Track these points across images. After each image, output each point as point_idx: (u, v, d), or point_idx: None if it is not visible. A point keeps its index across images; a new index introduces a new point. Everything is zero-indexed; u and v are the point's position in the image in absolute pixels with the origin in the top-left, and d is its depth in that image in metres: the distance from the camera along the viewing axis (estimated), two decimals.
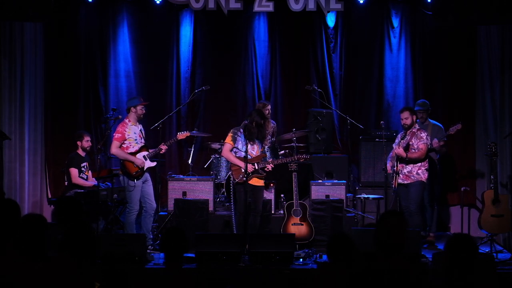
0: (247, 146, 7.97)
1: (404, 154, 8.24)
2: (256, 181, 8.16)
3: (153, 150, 8.41)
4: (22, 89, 9.87)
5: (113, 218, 9.00)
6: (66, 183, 9.31)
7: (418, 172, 8.33)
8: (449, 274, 4.03)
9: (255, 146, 8.21)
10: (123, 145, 8.27)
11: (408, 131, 8.39)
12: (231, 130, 8.22)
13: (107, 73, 10.56)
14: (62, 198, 5.03)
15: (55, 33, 10.33)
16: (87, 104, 10.54)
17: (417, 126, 8.49)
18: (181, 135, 8.62)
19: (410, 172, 8.32)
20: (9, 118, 9.76)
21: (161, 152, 8.44)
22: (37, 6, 9.39)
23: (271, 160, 8.38)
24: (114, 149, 8.28)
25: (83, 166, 9.22)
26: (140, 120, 8.48)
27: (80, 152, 9.27)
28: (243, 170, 7.91)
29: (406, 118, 8.38)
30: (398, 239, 4.22)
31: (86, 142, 9.29)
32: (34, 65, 10.02)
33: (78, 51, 10.47)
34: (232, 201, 8.26)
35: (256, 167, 8.09)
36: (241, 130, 8.11)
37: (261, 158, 8.20)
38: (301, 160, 8.55)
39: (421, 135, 8.36)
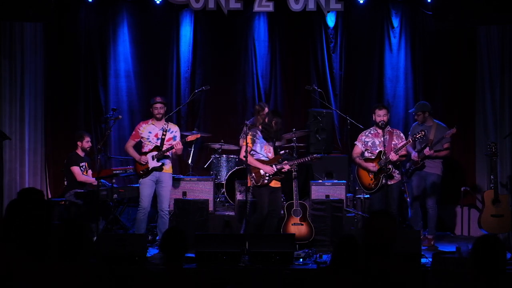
0: (249, 144, 7.97)
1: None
2: (275, 183, 8.12)
3: (162, 151, 8.39)
4: (22, 89, 9.88)
5: (113, 218, 9.00)
6: (65, 182, 9.31)
7: (397, 173, 8.32)
8: (475, 281, 3.83)
9: (271, 148, 8.17)
10: (142, 144, 8.47)
11: (386, 130, 8.31)
12: (250, 133, 8.03)
13: (107, 73, 10.57)
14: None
15: (55, 33, 10.34)
16: (87, 104, 10.55)
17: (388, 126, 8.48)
18: (191, 137, 8.67)
19: (394, 172, 8.29)
20: (9, 118, 9.77)
21: (174, 150, 8.38)
22: (37, 6, 9.38)
23: (285, 162, 8.28)
24: (126, 145, 8.61)
25: (82, 166, 9.22)
26: (164, 120, 8.52)
27: (79, 152, 9.25)
28: (262, 173, 7.94)
29: (384, 115, 8.31)
30: (387, 239, 4.16)
31: (87, 142, 9.27)
32: (34, 65, 10.02)
33: (78, 51, 10.48)
34: (249, 204, 8.23)
35: (275, 169, 8.06)
36: (258, 132, 8.06)
37: (278, 159, 8.16)
38: (314, 160, 8.60)
39: (401, 135, 8.43)
